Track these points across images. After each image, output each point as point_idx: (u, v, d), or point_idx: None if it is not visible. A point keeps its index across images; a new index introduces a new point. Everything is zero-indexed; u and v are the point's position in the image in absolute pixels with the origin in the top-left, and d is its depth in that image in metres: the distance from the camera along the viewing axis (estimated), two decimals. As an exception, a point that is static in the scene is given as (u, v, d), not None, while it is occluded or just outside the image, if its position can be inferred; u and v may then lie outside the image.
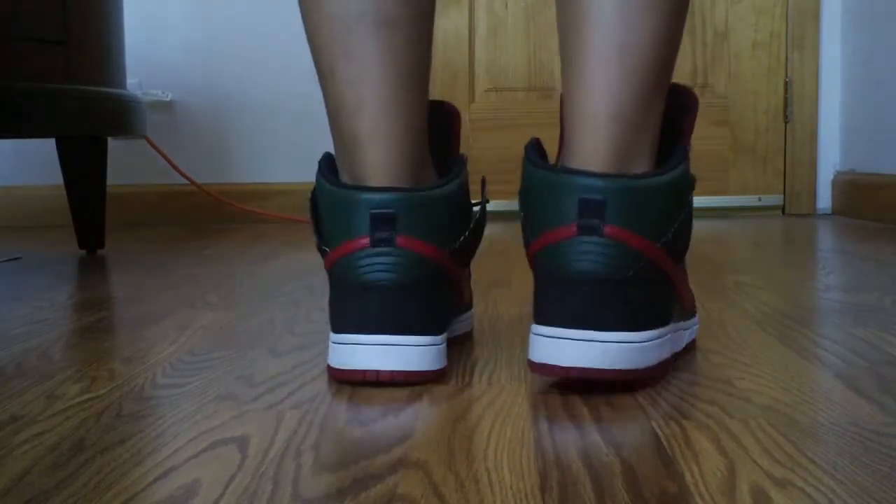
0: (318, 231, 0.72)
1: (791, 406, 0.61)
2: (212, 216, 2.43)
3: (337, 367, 0.69)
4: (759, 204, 2.43)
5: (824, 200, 2.42)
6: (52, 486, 0.48)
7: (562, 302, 0.64)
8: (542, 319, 0.65)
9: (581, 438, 0.55)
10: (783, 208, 2.43)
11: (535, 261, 0.67)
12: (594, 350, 0.63)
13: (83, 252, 1.71)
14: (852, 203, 2.27)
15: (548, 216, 0.64)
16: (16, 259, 1.63)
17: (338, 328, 0.69)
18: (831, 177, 2.41)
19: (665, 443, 0.54)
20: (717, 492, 0.46)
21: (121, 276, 1.38)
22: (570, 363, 0.63)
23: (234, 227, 2.29)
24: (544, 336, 0.64)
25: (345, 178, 0.73)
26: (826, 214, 2.40)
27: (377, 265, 0.67)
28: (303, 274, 1.34)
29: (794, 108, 2.41)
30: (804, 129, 2.41)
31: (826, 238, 1.79)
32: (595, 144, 0.66)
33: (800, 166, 2.42)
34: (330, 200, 0.70)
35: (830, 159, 2.41)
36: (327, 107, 0.74)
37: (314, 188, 0.73)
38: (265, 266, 1.45)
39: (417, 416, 0.60)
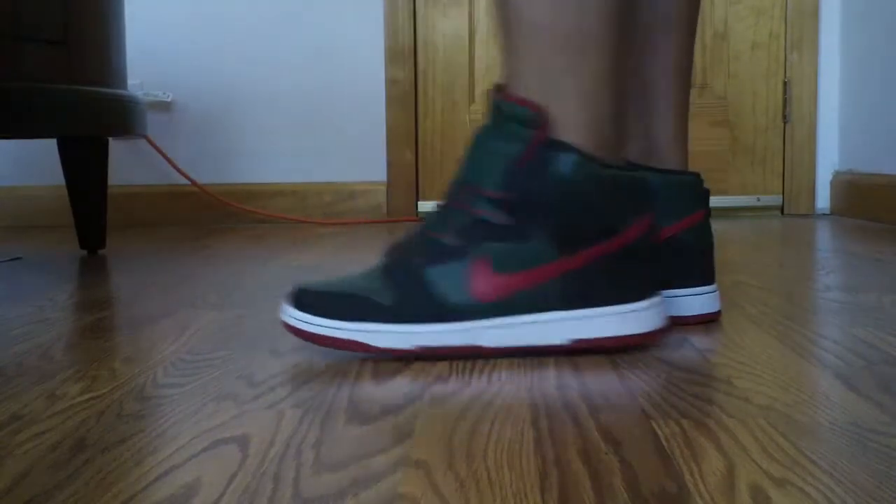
0: (607, 211, 0.77)
1: (790, 405, 0.61)
2: (212, 216, 2.43)
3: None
4: (759, 204, 2.43)
5: (823, 200, 2.42)
6: (52, 486, 0.49)
7: (709, 265, 0.89)
8: (709, 279, 0.89)
9: (581, 437, 0.55)
10: (782, 208, 2.44)
11: (678, 238, 0.87)
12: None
13: (84, 252, 1.71)
14: (851, 203, 2.27)
15: (681, 206, 0.88)
16: (17, 259, 1.63)
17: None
18: (830, 177, 2.41)
19: (664, 442, 0.54)
20: (716, 491, 0.46)
21: (121, 276, 1.38)
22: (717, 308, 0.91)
23: (234, 227, 2.29)
24: (712, 292, 0.90)
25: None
26: (825, 214, 2.40)
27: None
28: (303, 274, 1.34)
29: (793, 109, 2.41)
30: (803, 130, 2.41)
31: (825, 238, 1.79)
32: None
33: (799, 166, 2.42)
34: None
35: (829, 159, 2.42)
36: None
37: (592, 177, 0.75)
38: (265, 266, 1.45)
39: (417, 416, 0.61)
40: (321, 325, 0.75)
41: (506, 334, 0.75)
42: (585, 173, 0.74)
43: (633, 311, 0.76)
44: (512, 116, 0.75)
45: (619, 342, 0.76)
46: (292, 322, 0.76)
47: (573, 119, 0.75)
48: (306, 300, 0.76)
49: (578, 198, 0.74)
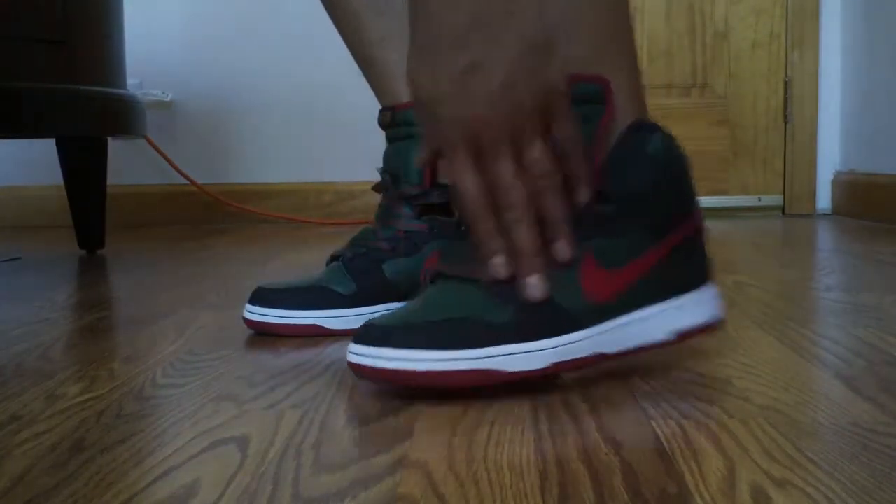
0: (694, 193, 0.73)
1: (791, 406, 0.61)
2: (212, 216, 2.43)
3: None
4: (759, 204, 2.43)
5: (824, 200, 2.42)
6: (52, 486, 0.48)
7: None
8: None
9: (581, 438, 0.55)
10: (783, 208, 2.43)
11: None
12: None
13: (83, 252, 1.71)
14: (852, 203, 2.27)
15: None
16: (16, 259, 1.63)
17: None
18: (831, 177, 2.41)
19: (665, 442, 0.54)
20: (716, 491, 0.46)
21: (121, 277, 1.38)
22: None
23: (234, 227, 2.29)
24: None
25: None
26: (826, 214, 2.40)
27: None
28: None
29: (793, 109, 2.41)
30: (804, 129, 2.41)
31: (826, 238, 1.79)
32: None
33: (800, 166, 2.42)
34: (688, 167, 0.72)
35: (830, 159, 2.42)
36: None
37: (679, 157, 0.70)
38: (265, 266, 1.45)
39: (417, 416, 0.60)
40: (430, 360, 0.62)
41: (622, 336, 0.67)
42: (674, 152, 0.69)
43: (713, 292, 0.73)
44: (581, 94, 0.66)
45: (712, 327, 0.72)
46: (380, 363, 0.63)
47: (624, 90, 0.68)
48: (392, 336, 0.63)
49: (670, 179, 0.69)
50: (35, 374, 0.74)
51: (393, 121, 0.93)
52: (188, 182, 2.36)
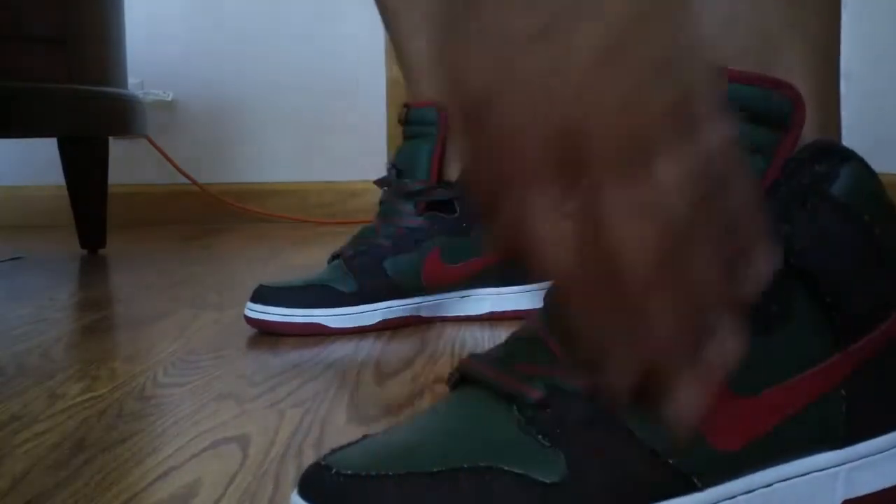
0: None
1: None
2: (212, 216, 2.43)
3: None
4: (760, 203, 2.43)
5: (825, 200, 2.42)
6: (53, 486, 0.49)
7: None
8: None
9: (582, 437, 0.55)
10: (784, 208, 2.43)
11: None
12: None
13: (84, 252, 1.71)
14: (853, 202, 2.27)
15: None
16: (17, 259, 1.63)
17: None
18: (832, 176, 2.41)
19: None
20: (717, 490, 0.46)
21: (122, 276, 1.38)
22: None
23: (235, 227, 2.29)
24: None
25: None
26: (827, 214, 2.40)
27: None
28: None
29: (794, 108, 2.41)
30: (805, 129, 2.41)
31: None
32: None
33: (800, 166, 2.42)
34: None
35: (831, 159, 2.42)
36: None
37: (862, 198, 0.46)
38: (265, 266, 1.45)
39: (418, 416, 0.60)
40: None
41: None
42: (875, 195, 0.44)
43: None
44: (749, 107, 0.39)
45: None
46: None
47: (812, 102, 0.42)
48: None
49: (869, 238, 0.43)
50: (36, 373, 0.74)
51: (406, 119, 0.93)
52: (189, 181, 2.36)
